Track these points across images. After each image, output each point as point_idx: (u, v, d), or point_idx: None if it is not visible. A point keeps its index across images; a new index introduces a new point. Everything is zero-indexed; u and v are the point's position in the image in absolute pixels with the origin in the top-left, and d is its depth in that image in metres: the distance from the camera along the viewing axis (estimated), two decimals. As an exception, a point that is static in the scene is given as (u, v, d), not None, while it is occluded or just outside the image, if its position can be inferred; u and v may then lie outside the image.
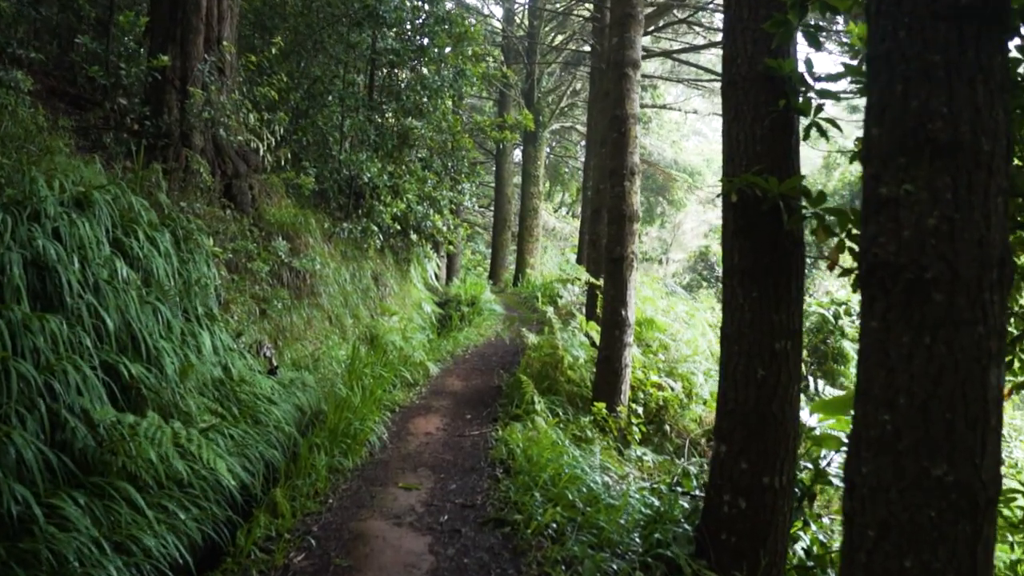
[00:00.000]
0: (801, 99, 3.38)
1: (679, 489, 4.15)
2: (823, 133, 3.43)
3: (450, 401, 6.50)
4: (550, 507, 3.56)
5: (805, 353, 9.71)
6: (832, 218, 3.29)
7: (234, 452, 4.52)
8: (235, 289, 6.55)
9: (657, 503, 3.82)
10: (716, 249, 16.97)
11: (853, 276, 3.35)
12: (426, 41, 10.44)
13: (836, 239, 3.33)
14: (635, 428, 5.37)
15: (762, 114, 3.40)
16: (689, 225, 23.97)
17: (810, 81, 3.35)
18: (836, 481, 4.59)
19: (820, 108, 3.36)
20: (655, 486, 4.34)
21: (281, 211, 7.93)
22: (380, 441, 4.99)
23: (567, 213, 30.16)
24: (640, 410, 5.54)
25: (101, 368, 3.97)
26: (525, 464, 4.26)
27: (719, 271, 16.54)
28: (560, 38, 18.47)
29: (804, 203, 3.34)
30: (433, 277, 13.98)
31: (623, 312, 5.59)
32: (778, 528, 3.42)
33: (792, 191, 3.29)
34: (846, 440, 4.12)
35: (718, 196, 3.76)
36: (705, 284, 16.08)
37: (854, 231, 3.25)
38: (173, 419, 4.30)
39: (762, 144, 3.41)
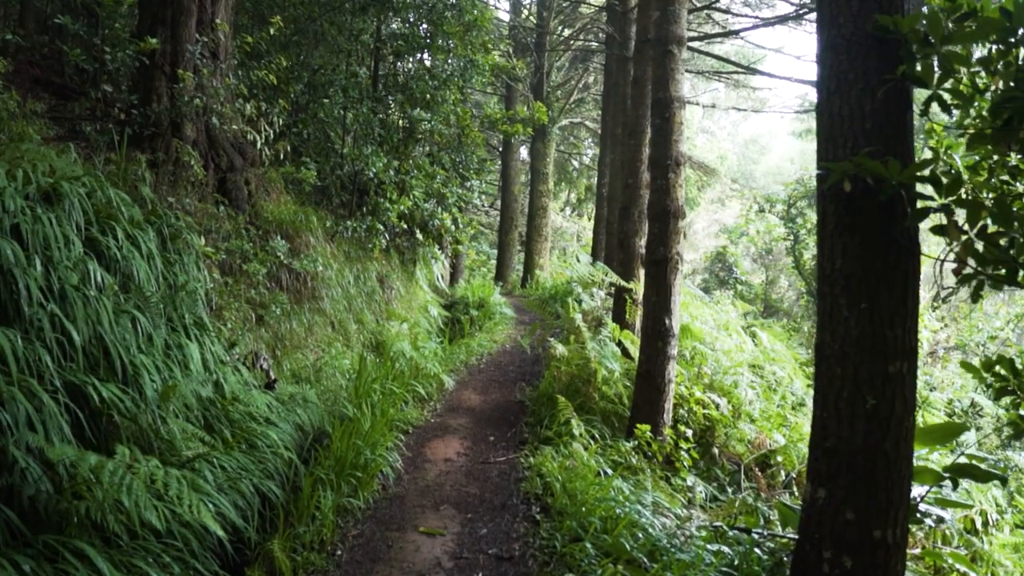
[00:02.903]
0: (920, 65, 2.73)
1: (755, 532, 3.51)
2: (946, 107, 2.79)
3: (469, 419, 5.85)
4: (607, 563, 2.92)
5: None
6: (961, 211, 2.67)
7: (225, 486, 3.89)
8: (229, 294, 5.92)
9: (729, 552, 3.18)
10: (733, 250, 16.36)
11: (975, 283, 2.74)
12: (433, 28, 9.81)
13: (964, 238, 2.71)
14: (684, 453, 4.72)
15: (872, 84, 2.77)
16: (700, 224, 23.37)
17: (933, 42, 2.70)
18: (929, 521, 3.96)
19: (946, 76, 2.71)
20: (717, 525, 3.70)
21: (280, 208, 7.30)
22: (394, 471, 4.34)
23: (572, 212, 29.54)
24: (689, 433, 4.90)
25: (65, 391, 3.33)
26: (566, 502, 3.62)
27: (737, 272, 15.90)
28: (568, 31, 17.85)
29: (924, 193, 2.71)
30: (439, 278, 13.35)
31: (667, 321, 4.95)
32: (891, 592, 2.78)
33: (912, 178, 2.65)
34: (945, 474, 3.51)
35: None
36: (723, 285, 15.46)
37: (991, 227, 2.63)
38: (152, 453, 3.67)
39: (873, 121, 2.77)
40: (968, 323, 10.50)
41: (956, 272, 2.76)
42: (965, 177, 3.26)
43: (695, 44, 13.64)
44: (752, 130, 41.44)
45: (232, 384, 4.85)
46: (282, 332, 6.36)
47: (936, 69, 2.72)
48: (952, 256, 2.85)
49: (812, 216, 13.66)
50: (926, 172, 2.62)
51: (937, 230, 2.72)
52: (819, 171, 2.93)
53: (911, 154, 2.82)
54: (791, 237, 13.49)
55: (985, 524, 5.59)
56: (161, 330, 4.24)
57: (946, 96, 2.75)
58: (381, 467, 4.20)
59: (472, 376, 7.59)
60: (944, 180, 2.60)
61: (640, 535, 3.23)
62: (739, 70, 13.12)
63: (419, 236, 10.49)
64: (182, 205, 5.87)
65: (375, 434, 4.35)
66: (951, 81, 2.73)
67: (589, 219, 26.96)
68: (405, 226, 9.79)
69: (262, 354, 5.79)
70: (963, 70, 2.78)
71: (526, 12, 18.14)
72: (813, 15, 11.06)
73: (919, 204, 2.79)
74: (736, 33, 12.16)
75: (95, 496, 2.90)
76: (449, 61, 9.80)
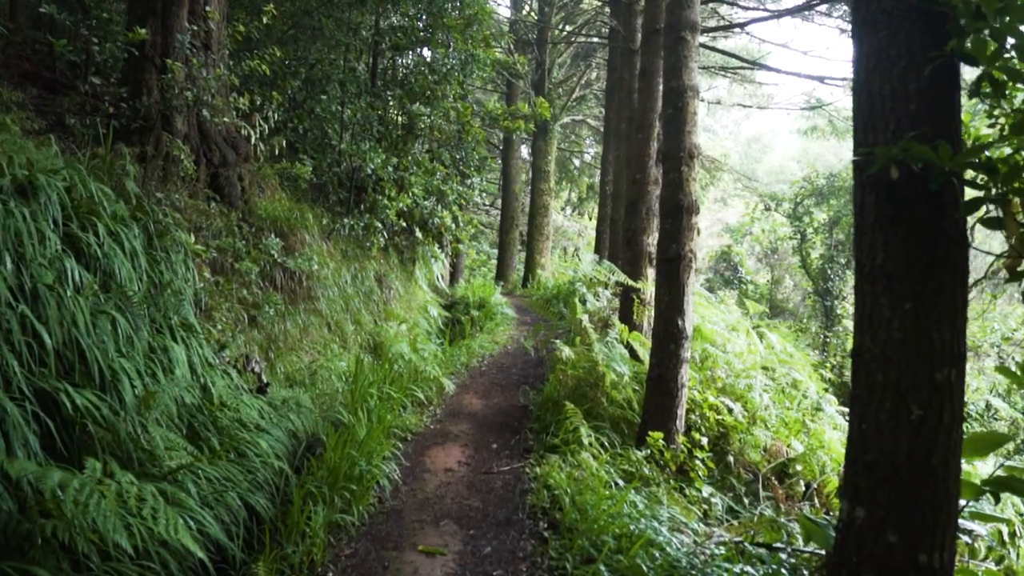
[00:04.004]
0: (971, 40, 2.47)
1: (777, 547, 3.25)
2: (999, 89, 2.53)
3: (470, 425, 5.58)
4: (623, 588, 2.67)
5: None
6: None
7: (210, 499, 3.63)
8: (219, 294, 5.67)
9: (754, 573, 2.92)
10: (738, 249, 16.10)
11: (1025, 283, 2.49)
12: (433, 21, 9.54)
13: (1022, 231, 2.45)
14: (698, 462, 4.46)
15: (918, 61, 2.50)
16: (704, 223, 23.06)
17: (986, 15, 2.44)
18: (965, 538, 3.71)
19: (998, 54, 2.45)
20: (737, 541, 3.44)
21: (274, 205, 7.04)
22: (391, 483, 4.07)
23: (573, 212, 29.26)
24: (704, 441, 4.63)
25: (35, 398, 3.08)
26: (576, 517, 3.36)
27: (742, 272, 15.65)
28: (569, 28, 17.60)
29: (979, 181, 2.45)
30: (439, 278, 13.09)
31: (679, 322, 4.69)
32: (938, 622, 2.52)
33: (965, 165, 2.40)
34: (985, 487, 3.26)
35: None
36: (728, 285, 15.20)
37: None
38: (130, 464, 3.41)
39: (919, 102, 2.51)
40: (981, 324, 10.25)
41: (1010, 268, 2.51)
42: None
43: (700, 38, 13.38)
44: (754, 129, 41.22)
45: (220, 388, 4.60)
46: (276, 333, 6.10)
47: (989, 45, 2.46)
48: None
49: (819, 215, 13.43)
50: (979, 158, 2.37)
51: (990, 223, 2.47)
52: (856, 158, 2.67)
53: (959, 138, 2.57)
54: (798, 236, 13.24)
55: (1012, 535, 5.33)
56: (143, 332, 3.98)
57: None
58: (377, 478, 3.94)
59: (473, 379, 7.32)
60: (1002, 167, 2.34)
61: (657, 555, 2.97)
62: (745, 65, 12.85)
63: (418, 235, 10.23)
64: (171, 201, 5.63)
65: (371, 442, 4.09)
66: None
67: (590, 218, 26.70)
68: (404, 224, 9.54)
69: (254, 357, 5.54)
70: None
71: (527, 8, 17.88)
72: (823, 6, 10.81)
73: (968, 193, 2.53)
74: (741, 26, 11.89)
75: (64, 514, 2.65)
76: (449, 55, 9.54)
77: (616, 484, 3.89)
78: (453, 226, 10.30)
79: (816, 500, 4.57)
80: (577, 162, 24.45)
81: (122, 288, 4.10)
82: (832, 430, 5.27)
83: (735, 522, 3.98)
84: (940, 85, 2.51)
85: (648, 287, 6.69)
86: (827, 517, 3.92)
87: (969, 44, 2.47)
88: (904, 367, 2.51)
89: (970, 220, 2.66)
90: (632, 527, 3.14)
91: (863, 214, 2.65)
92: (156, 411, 3.73)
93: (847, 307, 12.08)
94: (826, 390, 6.22)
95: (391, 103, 9.78)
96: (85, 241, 4.06)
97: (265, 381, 5.34)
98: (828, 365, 8.08)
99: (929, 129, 2.47)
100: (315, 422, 5.05)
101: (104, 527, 2.56)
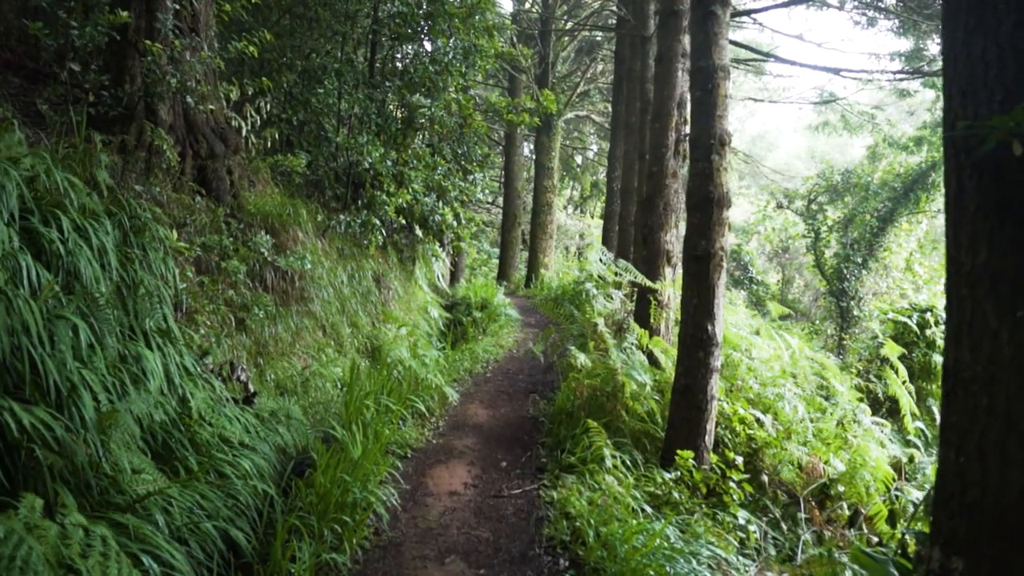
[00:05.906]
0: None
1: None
2: None
3: (476, 439, 5.12)
4: (666, 651, 2.21)
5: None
6: None
7: (182, 531, 3.19)
8: (203, 295, 5.22)
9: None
10: (748, 248, 15.64)
11: None
12: (433, 8, 9.09)
13: None
14: (733, 485, 3.99)
15: (1033, 16, 2.05)
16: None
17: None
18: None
19: None
20: (785, 581, 2.98)
21: (265, 200, 6.59)
22: (388, 510, 3.61)
23: (575, 210, 28.83)
24: (740, 460, 4.16)
25: (-27, 419, 2.64)
26: (602, 554, 2.91)
27: (752, 272, 15.17)
28: (572, 23, 17.13)
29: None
30: (439, 278, 12.63)
31: (709, 328, 4.24)
32: None
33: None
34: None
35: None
36: (738, 285, 14.74)
37: None
38: (89, 493, 2.96)
39: (1034, 64, 2.05)
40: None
41: None
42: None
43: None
44: (759, 126, 40.79)
45: (200, 400, 4.15)
46: (265, 338, 5.65)
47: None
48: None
49: (832, 212, 13.03)
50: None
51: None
52: (950, 133, 2.22)
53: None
54: (811, 234, 12.80)
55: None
56: (107, 339, 3.53)
57: None
58: (374, 506, 3.48)
59: (478, 387, 6.86)
60: None
61: (702, 604, 2.53)
62: (757, 57, 12.39)
63: (418, 232, 9.78)
64: (151, 194, 5.19)
65: (367, 464, 3.64)
66: None
67: (593, 216, 26.25)
68: (403, 221, 9.09)
69: (240, 363, 5.08)
70: None
71: (530, 1, 17.42)
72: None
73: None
74: (748, 13, 11.42)
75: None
76: (451, 43, 9.09)
77: (643, 510, 3.44)
78: (454, 223, 9.85)
79: (864, 526, 4.12)
80: (580, 159, 24.00)
81: (87, 289, 3.65)
82: (870, 444, 4.81)
83: (774, 551, 3.53)
84: (1060, 44, 2.06)
85: (666, 288, 6.25)
86: (883, 550, 3.45)
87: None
88: (1016, 388, 2.06)
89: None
90: (668, 568, 2.70)
91: (960, 202, 2.19)
92: (122, 429, 3.28)
93: (864, 309, 11.62)
94: (860, 399, 5.77)
95: (390, 95, 9.33)
96: (47, 237, 3.62)
97: (252, 390, 4.88)
98: (853, 370, 7.63)
99: (1049, 97, 2.02)
100: (306, 436, 4.60)
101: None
